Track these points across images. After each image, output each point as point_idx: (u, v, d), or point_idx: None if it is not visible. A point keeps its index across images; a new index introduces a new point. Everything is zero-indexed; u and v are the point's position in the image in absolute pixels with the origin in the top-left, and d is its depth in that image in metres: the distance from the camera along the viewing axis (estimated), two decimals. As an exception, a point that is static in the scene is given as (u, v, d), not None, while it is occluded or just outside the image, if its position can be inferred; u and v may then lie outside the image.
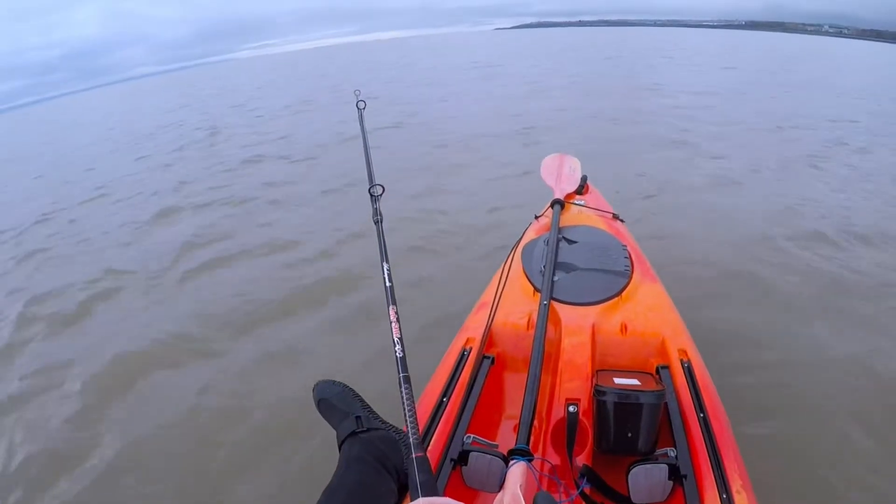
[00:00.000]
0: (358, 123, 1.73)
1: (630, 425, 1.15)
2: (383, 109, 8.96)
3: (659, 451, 1.15)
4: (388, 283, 1.06)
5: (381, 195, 1.24)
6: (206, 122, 10.87)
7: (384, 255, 1.12)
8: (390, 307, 1.03)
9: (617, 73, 14.13)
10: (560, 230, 1.99)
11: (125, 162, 7.97)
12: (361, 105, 1.74)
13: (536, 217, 2.27)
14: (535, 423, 1.23)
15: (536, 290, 1.67)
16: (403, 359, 0.95)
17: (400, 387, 0.91)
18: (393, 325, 0.99)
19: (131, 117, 15.50)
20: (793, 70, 14.66)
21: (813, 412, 1.94)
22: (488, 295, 1.70)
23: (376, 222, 1.20)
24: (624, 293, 1.64)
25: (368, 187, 1.26)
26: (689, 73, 13.51)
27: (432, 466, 1.01)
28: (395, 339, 0.97)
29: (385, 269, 1.08)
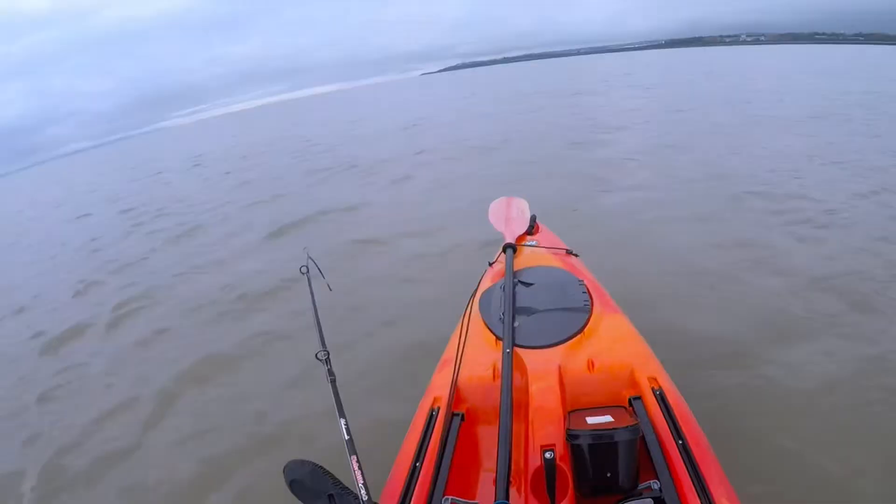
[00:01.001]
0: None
1: (608, 464, 1.13)
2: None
3: (642, 485, 1.12)
4: (346, 437, 1.09)
5: (327, 359, 1.28)
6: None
7: (341, 412, 1.15)
8: (351, 457, 1.06)
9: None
10: (515, 274, 1.99)
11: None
12: (304, 270, 1.65)
13: (490, 264, 2.27)
14: (513, 474, 1.19)
15: (498, 338, 1.65)
16: (370, 501, 0.98)
17: None
18: (355, 473, 1.02)
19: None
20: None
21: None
22: (450, 350, 1.67)
23: (331, 381, 1.23)
24: (586, 329, 1.64)
25: (316, 353, 1.30)
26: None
27: None
28: (360, 485, 0.99)
29: (343, 424, 1.11)
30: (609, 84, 21.00)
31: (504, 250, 2.23)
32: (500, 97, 19.62)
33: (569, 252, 2.30)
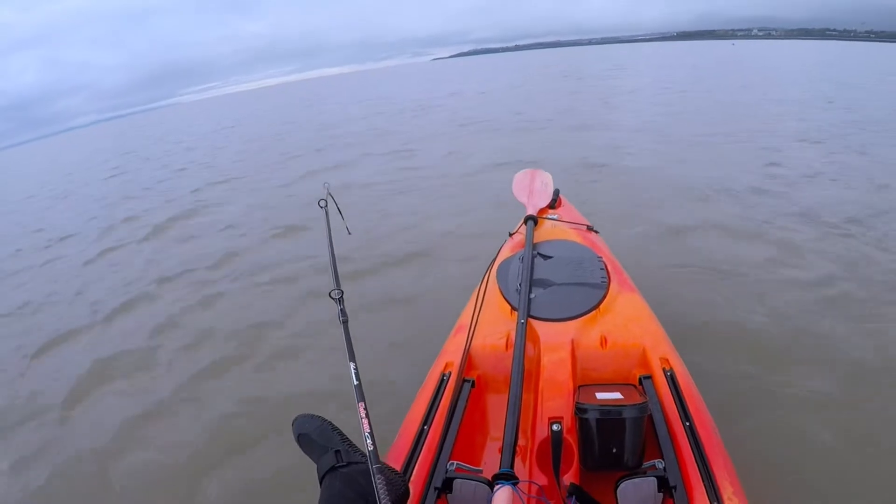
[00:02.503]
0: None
1: (615, 440, 1.14)
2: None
3: (647, 464, 1.13)
4: (355, 382, 1.05)
5: (341, 298, 1.22)
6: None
7: (351, 355, 1.10)
8: (359, 403, 1.02)
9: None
10: (534, 246, 1.99)
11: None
12: (323, 204, 1.61)
13: (510, 234, 2.26)
14: (520, 444, 1.21)
15: (514, 308, 1.65)
16: (374, 452, 0.94)
17: (373, 477, 0.89)
18: (362, 420, 0.99)
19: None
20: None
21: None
22: (465, 317, 1.68)
23: (343, 322, 1.18)
24: (602, 305, 1.63)
25: (329, 291, 1.24)
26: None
27: (416, 497, 1.00)
28: (366, 433, 0.96)
29: (353, 368, 1.07)
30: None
31: (525, 222, 2.23)
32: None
33: (590, 228, 2.29)
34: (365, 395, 1.03)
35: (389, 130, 10.90)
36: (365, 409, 1.01)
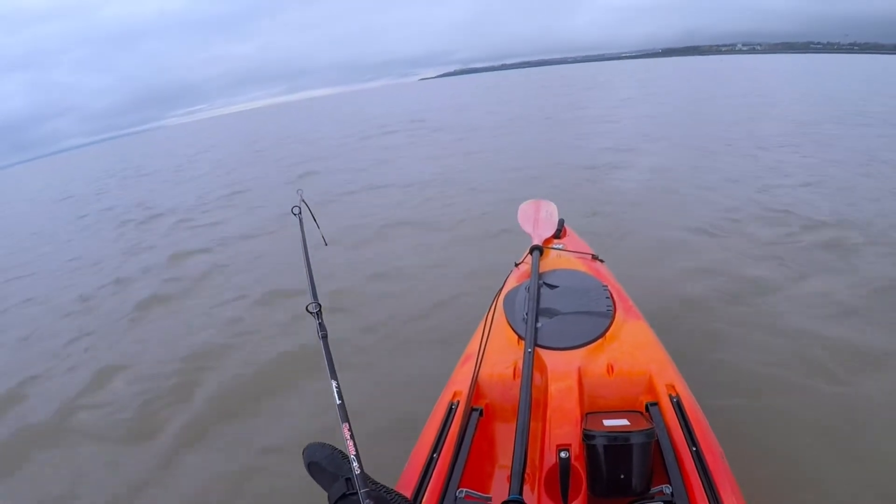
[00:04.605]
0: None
1: (622, 466, 1.15)
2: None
3: (654, 489, 1.14)
4: (338, 401, 1.00)
5: (318, 312, 1.17)
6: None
7: (332, 372, 1.05)
8: (343, 424, 0.97)
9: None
10: (540, 276, 2.02)
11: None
12: (297, 210, 1.53)
13: (516, 264, 2.30)
14: (528, 471, 1.22)
15: (520, 338, 1.68)
16: (362, 475, 0.91)
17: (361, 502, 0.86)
18: (347, 442, 0.94)
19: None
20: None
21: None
22: (473, 346, 1.71)
23: (322, 337, 1.14)
24: (608, 333, 1.66)
25: (307, 305, 1.18)
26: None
27: None
28: (352, 456, 0.93)
29: (334, 387, 1.02)
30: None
31: (531, 252, 2.26)
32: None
33: (594, 257, 2.32)
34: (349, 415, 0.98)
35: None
36: (350, 430, 0.96)
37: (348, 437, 0.95)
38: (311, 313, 1.16)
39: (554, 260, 2.25)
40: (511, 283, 2.08)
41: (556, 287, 1.95)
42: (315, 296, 1.20)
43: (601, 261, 2.33)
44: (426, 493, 1.16)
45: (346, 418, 0.98)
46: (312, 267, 1.34)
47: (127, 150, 32.82)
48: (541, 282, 1.97)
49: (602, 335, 1.66)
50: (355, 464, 0.92)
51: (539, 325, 1.71)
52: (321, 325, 1.14)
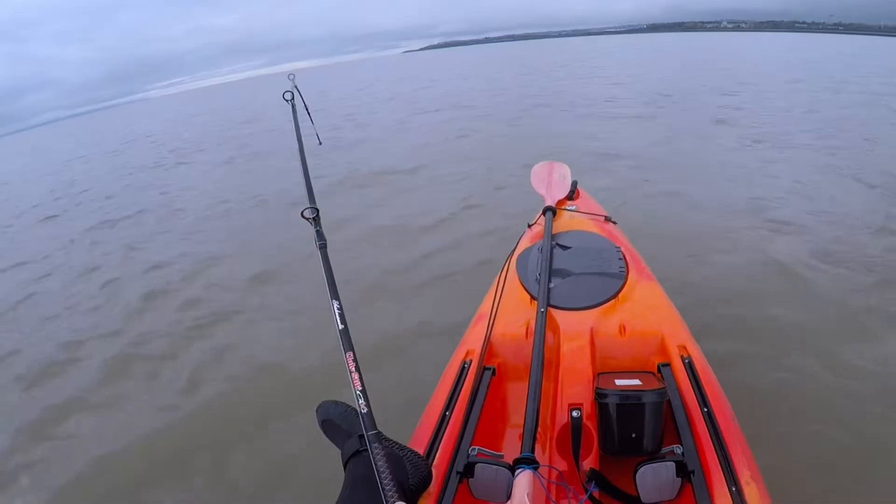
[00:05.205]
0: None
1: (634, 425, 1.15)
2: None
3: (665, 449, 1.15)
4: (340, 326, 0.86)
5: (316, 217, 1.00)
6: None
7: (333, 291, 0.90)
8: (346, 354, 0.85)
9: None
10: (553, 237, 2.01)
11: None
12: (289, 97, 1.35)
13: (529, 225, 2.28)
14: (540, 430, 1.23)
15: (533, 298, 1.67)
16: (370, 414, 0.81)
17: (369, 446, 0.79)
18: (352, 374, 0.82)
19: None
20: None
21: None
22: (485, 306, 1.71)
23: (320, 247, 0.98)
24: (620, 294, 1.66)
25: (303, 209, 1.02)
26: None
27: (438, 480, 1.00)
28: (357, 391, 0.82)
29: (335, 309, 0.88)
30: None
31: (544, 213, 2.25)
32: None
33: (607, 219, 2.30)
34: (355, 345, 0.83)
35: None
36: (354, 360, 0.83)
37: (353, 368, 0.81)
38: (306, 219, 1.01)
39: (567, 221, 2.24)
40: (524, 244, 2.07)
41: (568, 248, 1.94)
42: (312, 198, 1.04)
43: (614, 222, 2.31)
44: (439, 451, 1.17)
45: (349, 346, 0.84)
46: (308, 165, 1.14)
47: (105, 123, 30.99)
48: (553, 243, 1.96)
49: (615, 296, 1.65)
50: (361, 401, 0.80)
51: (552, 285, 1.70)
52: (319, 234, 1.00)
